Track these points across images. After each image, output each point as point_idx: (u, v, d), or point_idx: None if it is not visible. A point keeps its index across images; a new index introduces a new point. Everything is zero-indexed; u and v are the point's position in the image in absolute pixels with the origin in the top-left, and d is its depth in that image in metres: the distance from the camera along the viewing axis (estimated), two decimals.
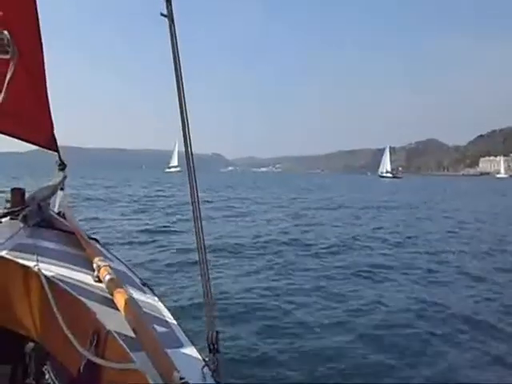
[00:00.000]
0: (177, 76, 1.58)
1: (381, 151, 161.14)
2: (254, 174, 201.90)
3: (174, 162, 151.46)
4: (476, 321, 5.89)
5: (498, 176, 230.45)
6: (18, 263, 2.00)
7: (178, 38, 1.58)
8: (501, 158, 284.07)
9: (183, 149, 1.51)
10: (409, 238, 13.51)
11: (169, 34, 1.58)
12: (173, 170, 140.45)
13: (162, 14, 1.56)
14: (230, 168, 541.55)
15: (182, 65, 1.58)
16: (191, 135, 1.61)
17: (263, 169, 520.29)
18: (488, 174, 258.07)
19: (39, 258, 2.09)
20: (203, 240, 1.63)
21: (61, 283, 1.81)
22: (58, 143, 3.11)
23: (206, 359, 1.53)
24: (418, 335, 5.34)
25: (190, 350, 1.64)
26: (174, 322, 1.87)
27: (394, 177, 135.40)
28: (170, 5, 1.57)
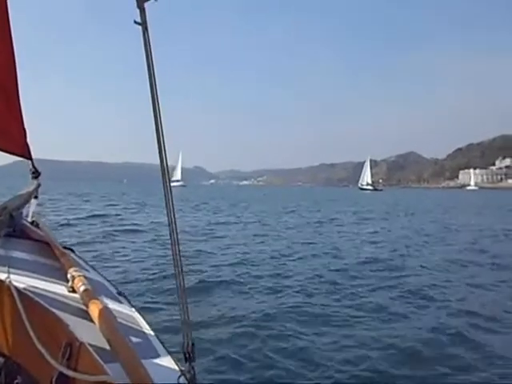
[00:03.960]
0: (151, 85, 1.55)
1: (362, 164, 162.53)
2: (238, 188, 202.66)
3: (177, 175, 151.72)
4: None
5: (469, 188, 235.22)
6: None
7: (151, 46, 1.55)
8: (471, 171, 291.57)
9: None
10: None
11: (142, 43, 1.54)
12: (176, 184, 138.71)
13: (136, 22, 1.53)
14: (212, 181, 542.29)
15: (156, 73, 1.55)
16: (166, 146, 1.58)
17: (245, 182, 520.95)
18: (468, 185, 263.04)
19: (11, 269, 2.02)
20: (179, 251, 1.61)
21: (33, 295, 1.78)
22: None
23: (183, 369, 1.52)
24: None
25: (167, 360, 1.63)
26: (151, 331, 1.87)
27: (374, 189, 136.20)
28: (144, 13, 1.54)
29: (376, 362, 4.75)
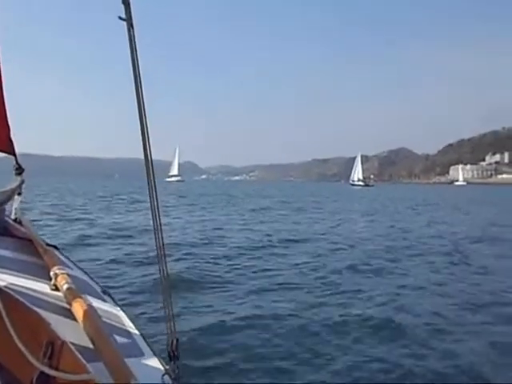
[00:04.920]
0: (136, 81, 1.52)
1: (354, 159, 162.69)
2: (230, 183, 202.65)
3: (174, 171, 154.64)
4: None
5: (457, 183, 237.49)
6: None
7: (136, 42, 1.50)
8: (459, 167, 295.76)
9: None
10: None
11: (127, 39, 1.50)
12: (174, 179, 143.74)
13: (121, 18, 1.49)
14: (203, 176, 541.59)
15: (141, 70, 1.52)
16: (151, 141, 1.55)
17: (237, 177, 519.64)
18: (458, 181, 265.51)
19: None
20: (163, 246, 1.60)
21: (14, 293, 1.77)
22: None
23: (167, 367, 1.52)
24: None
25: (151, 359, 1.63)
26: (135, 330, 1.87)
27: (365, 185, 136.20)
28: (129, 8, 1.49)
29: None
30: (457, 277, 8.96)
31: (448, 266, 10.04)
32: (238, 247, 11.94)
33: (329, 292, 7.52)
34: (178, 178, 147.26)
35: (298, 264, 9.89)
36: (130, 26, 1.49)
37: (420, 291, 7.71)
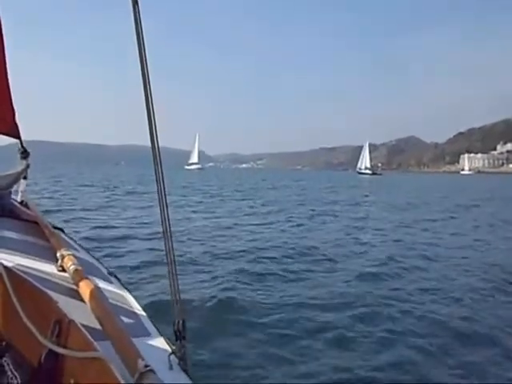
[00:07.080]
0: (142, 64, 1.46)
1: (361, 148, 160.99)
2: (239, 171, 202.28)
3: (194, 158, 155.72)
4: None
5: (462, 173, 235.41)
6: None
7: (142, 21, 1.42)
8: (465, 156, 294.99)
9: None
10: None
11: (132, 18, 1.42)
12: (193, 167, 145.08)
13: None
14: (211, 164, 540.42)
15: (147, 51, 1.44)
16: (157, 128, 1.48)
17: (244, 165, 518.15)
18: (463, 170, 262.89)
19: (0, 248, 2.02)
20: (170, 228, 1.59)
21: (21, 273, 1.78)
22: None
23: (174, 347, 1.52)
24: None
25: (157, 339, 1.64)
26: (141, 311, 1.88)
27: (373, 173, 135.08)
28: None
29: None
30: None
31: None
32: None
33: None
34: (198, 166, 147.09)
35: None
36: (135, 3, 1.41)
37: None
